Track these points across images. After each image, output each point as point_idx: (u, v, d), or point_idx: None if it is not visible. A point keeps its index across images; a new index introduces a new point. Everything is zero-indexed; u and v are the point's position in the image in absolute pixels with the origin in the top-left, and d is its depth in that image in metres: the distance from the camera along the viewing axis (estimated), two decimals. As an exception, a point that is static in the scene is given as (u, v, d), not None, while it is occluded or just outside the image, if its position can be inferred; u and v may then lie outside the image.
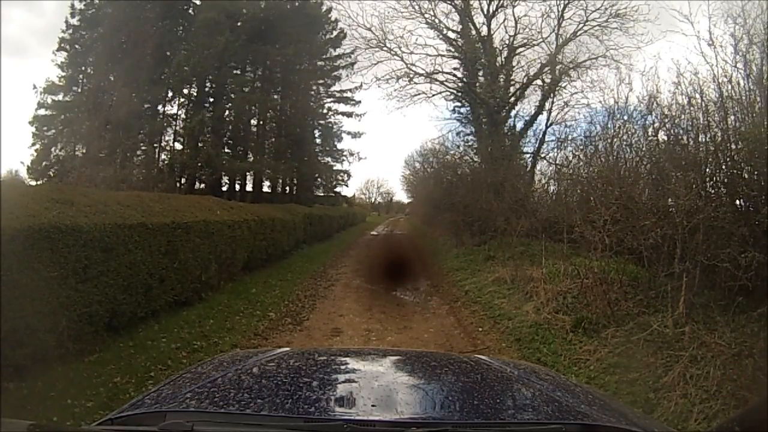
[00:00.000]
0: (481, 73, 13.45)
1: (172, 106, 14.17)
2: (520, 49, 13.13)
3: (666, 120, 5.18)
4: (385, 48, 13.27)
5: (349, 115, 17.23)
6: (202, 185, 13.58)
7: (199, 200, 7.28)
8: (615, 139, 6.16)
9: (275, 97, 15.11)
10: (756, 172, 3.84)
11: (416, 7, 12.97)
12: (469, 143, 14.35)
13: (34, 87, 13.35)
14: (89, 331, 3.75)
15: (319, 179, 17.40)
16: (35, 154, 13.36)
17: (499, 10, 13.04)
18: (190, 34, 13.53)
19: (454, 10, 13.15)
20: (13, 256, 2.98)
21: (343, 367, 1.53)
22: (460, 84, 13.53)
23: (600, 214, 4.85)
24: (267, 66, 14.73)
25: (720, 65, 4.60)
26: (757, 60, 4.58)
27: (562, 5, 12.42)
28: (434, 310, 6.41)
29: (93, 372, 3.48)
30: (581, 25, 12.25)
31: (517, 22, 12.88)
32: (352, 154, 17.74)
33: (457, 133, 14.86)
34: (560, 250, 6.40)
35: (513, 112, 13.46)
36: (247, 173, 14.67)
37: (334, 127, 17.38)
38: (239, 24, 13.48)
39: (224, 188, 14.00)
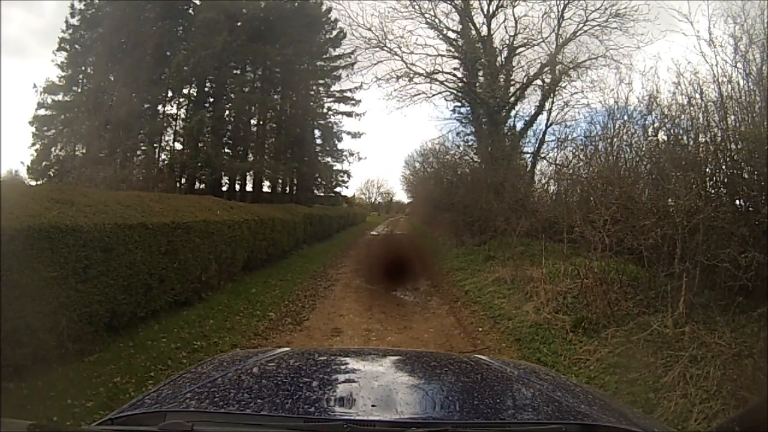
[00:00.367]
0: (481, 73, 13.44)
1: (171, 106, 14.20)
2: (520, 49, 13.15)
3: (666, 120, 5.19)
4: (385, 48, 13.28)
5: (349, 114, 17.25)
6: (202, 185, 13.58)
7: (199, 200, 7.28)
8: (615, 139, 6.17)
9: (275, 97, 15.12)
10: (756, 172, 3.84)
11: (416, 7, 12.99)
12: (469, 143, 14.37)
13: (34, 87, 13.38)
14: (89, 331, 3.75)
15: (319, 179, 17.39)
16: (35, 154, 13.38)
17: (499, 10, 13.05)
18: (189, 34, 13.53)
19: (454, 10, 13.17)
20: (13, 256, 2.97)
21: (343, 367, 1.53)
22: (460, 84, 13.53)
23: (600, 214, 4.85)
24: (267, 66, 14.73)
25: (720, 65, 4.61)
26: (757, 60, 4.58)
27: (562, 5, 12.43)
28: (434, 310, 6.41)
29: (93, 372, 3.48)
30: (581, 25, 12.27)
31: (517, 22, 12.90)
32: (352, 154, 17.76)
33: (457, 133, 14.88)
34: (560, 250, 6.40)
35: (513, 112, 13.47)
36: (247, 173, 14.67)
37: (334, 127, 17.39)
38: (239, 24, 13.48)
39: (224, 188, 14.00)
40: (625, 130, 6.16)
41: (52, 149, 13.52)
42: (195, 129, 12.93)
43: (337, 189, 18.58)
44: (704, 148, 4.31)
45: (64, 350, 3.43)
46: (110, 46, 12.78)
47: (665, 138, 5.14)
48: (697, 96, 4.59)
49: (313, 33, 14.95)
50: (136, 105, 12.92)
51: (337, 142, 17.65)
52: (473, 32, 13.26)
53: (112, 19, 12.97)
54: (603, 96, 13.42)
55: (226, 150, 14.14)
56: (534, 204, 8.95)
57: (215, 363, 1.49)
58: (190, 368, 1.49)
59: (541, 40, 12.76)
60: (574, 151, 8.09)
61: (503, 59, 13.28)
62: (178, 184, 13.08)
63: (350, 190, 29.14)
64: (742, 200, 4.00)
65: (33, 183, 12.18)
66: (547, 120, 12.91)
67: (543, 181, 11.15)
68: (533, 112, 13.19)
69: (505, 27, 13.06)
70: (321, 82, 16.55)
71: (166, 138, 14.11)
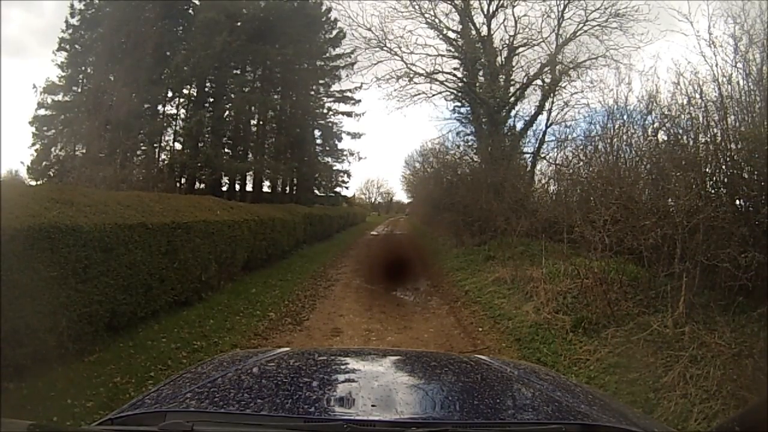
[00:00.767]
0: (481, 73, 13.45)
1: (171, 106, 14.22)
2: (520, 49, 13.14)
3: (666, 120, 5.19)
4: (385, 48, 13.27)
5: (349, 114, 17.26)
6: (202, 185, 13.59)
7: (199, 200, 7.27)
8: (615, 139, 6.16)
9: (275, 97, 15.12)
10: (756, 172, 3.84)
11: (416, 7, 12.98)
12: (469, 143, 14.37)
13: (34, 87, 13.40)
14: (89, 331, 3.75)
15: (319, 179, 17.41)
16: (35, 154, 13.39)
17: (499, 10, 13.04)
18: (189, 34, 13.54)
19: (454, 10, 13.16)
20: (13, 256, 2.97)
21: (343, 367, 1.53)
22: (460, 84, 13.52)
23: (600, 214, 4.85)
24: (267, 66, 14.74)
25: (720, 65, 4.61)
26: (757, 60, 4.58)
27: (562, 5, 12.43)
28: (434, 310, 6.41)
29: (93, 372, 3.48)
30: (581, 25, 12.26)
31: (517, 22, 12.89)
32: (352, 154, 17.78)
33: (457, 133, 14.88)
34: (560, 250, 6.40)
35: (513, 112, 13.47)
36: (247, 173, 14.68)
37: (334, 127, 17.40)
38: (239, 24, 13.49)
39: (224, 188, 14.01)
40: (624, 130, 6.16)
41: (52, 149, 13.53)
42: (195, 129, 12.94)
43: (337, 189, 18.62)
44: (704, 148, 4.31)
45: (64, 350, 3.43)
46: (110, 46, 12.78)
47: (665, 138, 5.14)
48: (697, 96, 4.60)
49: (313, 33, 14.96)
50: (136, 105, 12.93)
51: (337, 142, 17.69)
52: (473, 32, 13.26)
53: (112, 19, 12.98)
54: (603, 96, 13.40)
55: (226, 150, 14.15)
56: (534, 204, 8.95)
57: (215, 363, 1.49)
58: (190, 368, 1.49)
59: (541, 40, 12.77)
60: (574, 151, 8.10)
61: (503, 59, 13.28)
62: (178, 184, 13.09)
63: (350, 190, 29.12)
64: (742, 200, 4.00)
65: (33, 183, 12.19)
66: (547, 120, 12.92)
67: (543, 181, 11.15)
68: (533, 112, 13.21)
69: (505, 27, 13.07)
70: (321, 82, 16.55)
71: (166, 138, 14.15)
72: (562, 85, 12.76)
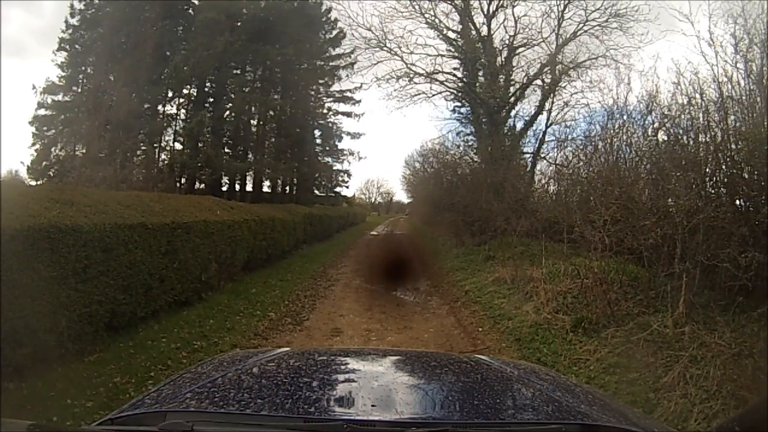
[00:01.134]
0: (481, 73, 13.45)
1: (171, 106, 14.23)
2: (520, 49, 13.14)
3: (666, 120, 5.19)
4: (385, 48, 13.28)
5: (349, 115, 17.26)
6: (202, 185, 13.60)
7: (199, 200, 7.28)
8: (615, 139, 6.16)
9: (275, 97, 15.12)
10: (756, 172, 3.84)
11: (416, 7, 12.98)
12: (469, 143, 14.37)
13: (34, 87, 13.40)
14: (89, 331, 3.75)
15: (319, 179, 17.41)
16: (35, 154, 13.39)
17: (499, 10, 13.05)
18: (189, 34, 13.54)
19: (454, 10, 13.16)
20: (13, 256, 2.97)
21: (343, 367, 1.53)
22: (460, 84, 13.53)
23: (600, 214, 4.85)
24: (267, 66, 14.74)
25: (720, 65, 4.62)
26: (758, 60, 4.58)
27: (562, 5, 12.43)
28: (434, 310, 6.41)
29: (93, 372, 3.48)
30: (581, 25, 12.27)
31: (517, 22, 12.90)
32: (352, 154, 17.78)
33: (457, 133, 14.89)
34: (560, 250, 6.40)
35: (513, 112, 13.48)
36: (247, 173, 14.68)
37: (334, 127, 17.41)
38: (239, 24, 13.50)
39: (224, 188, 14.01)
40: (624, 130, 6.16)
41: (52, 149, 13.53)
42: (195, 129, 12.94)
43: (337, 189, 18.63)
44: (704, 148, 4.31)
45: (64, 350, 3.43)
46: (110, 46, 12.79)
47: (665, 138, 5.14)
48: (697, 96, 4.60)
49: (313, 33, 14.97)
50: (136, 105, 12.93)
51: (337, 142, 17.70)
52: (473, 32, 13.26)
53: (112, 19, 12.98)
54: (603, 96, 13.45)
55: (226, 150, 14.16)
56: (534, 204, 8.95)
57: (215, 363, 1.49)
58: (190, 368, 1.49)
59: (541, 40, 12.77)
60: (574, 151, 8.11)
61: (503, 59, 13.28)
62: (178, 184, 13.09)
63: (350, 190, 29.13)
64: (742, 200, 4.00)
65: (33, 183, 12.19)
66: (547, 120, 12.93)
67: (543, 181, 11.15)
68: (533, 112, 13.21)
69: (505, 27, 13.08)
70: (321, 82, 16.55)
71: (166, 138, 14.16)
72: (562, 85, 12.78)
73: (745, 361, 2.95)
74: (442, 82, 13.55)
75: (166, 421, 0.95)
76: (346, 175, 18.19)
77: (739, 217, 3.87)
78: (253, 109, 14.58)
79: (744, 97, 4.42)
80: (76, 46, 13.60)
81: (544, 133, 12.82)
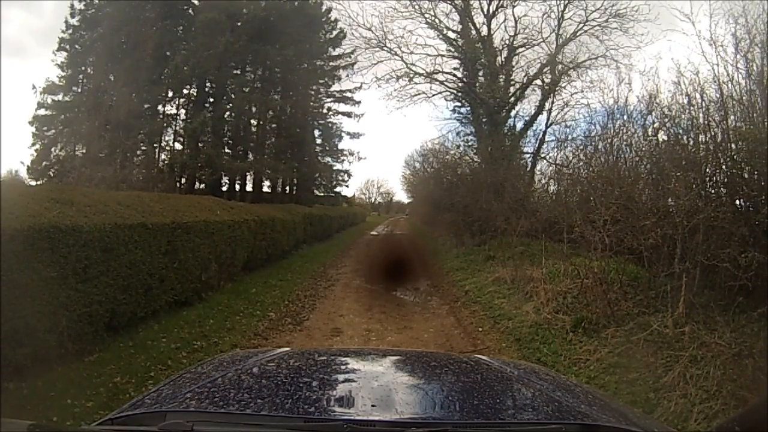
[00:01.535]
0: (481, 73, 13.45)
1: (172, 106, 14.22)
2: (520, 49, 13.15)
3: (666, 120, 5.19)
4: (385, 48, 13.28)
5: (349, 115, 17.26)
6: (202, 185, 13.59)
7: (199, 200, 7.27)
8: (615, 139, 6.16)
9: (275, 97, 15.12)
10: (756, 172, 3.84)
11: (416, 7, 12.99)
12: (469, 143, 14.37)
13: (34, 87, 13.39)
14: (89, 331, 3.75)
15: (319, 179, 17.41)
16: (35, 154, 13.39)
17: (499, 10, 13.06)
18: (190, 34, 13.54)
19: (454, 10, 13.17)
20: (13, 256, 2.97)
21: (343, 367, 1.53)
22: (460, 84, 13.53)
23: (600, 214, 4.85)
24: (267, 66, 14.74)
25: (721, 65, 4.61)
26: (758, 60, 4.58)
27: (562, 5, 12.44)
28: (434, 310, 6.41)
29: (93, 372, 3.48)
30: (581, 25, 12.27)
31: (517, 22, 12.91)
32: (351, 154, 17.79)
33: (457, 133, 14.88)
34: (560, 250, 6.40)
35: (513, 112, 13.48)
36: (247, 173, 14.68)
37: (334, 127, 17.42)
38: (239, 24, 13.48)
39: (224, 188, 14.01)
40: (625, 130, 6.16)
41: (52, 149, 13.53)
42: (195, 129, 12.95)
43: (337, 189, 18.62)
44: (704, 148, 4.31)
45: (64, 350, 3.43)
46: (110, 46, 12.78)
47: (665, 138, 5.14)
48: (698, 96, 4.60)
49: (313, 33, 14.96)
50: (136, 105, 12.93)
51: (337, 142, 17.70)
52: (473, 32, 13.27)
53: (112, 19, 12.98)
54: (603, 96, 13.43)
55: (226, 150, 14.15)
56: (534, 204, 8.95)
57: (215, 363, 1.49)
58: (190, 368, 1.49)
59: (541, 40, 12.78)
60: (574, 151, 8.10)
61: (503, 59, 13.28)
62: (178, 184, 13.09)
63: (350, 190, 29.17)
64: (742, 200, 4.00)
65: (33, 183, 12.19)
66: (547, 120, 12.94)
67: (543, 181, 11.15)
68: (533, 112, 13.22)
69: (505, 27, 13.09)
70: (321, 82, 16.55)
71: (166, 138, 14.15)
72: (562, 85, 12.79)
73: (745, 361, 2.95)
74: (442, 82, 13.57)
75: (166, 421, 0.95)
76: (346, 175, 18.21)
77: (739, 217, 3.87)
78: (253, 109, 14.58)
79: (744, 97, 4.42)
80: (76, 46, 13.59)
81: (544, 133, 12.85)
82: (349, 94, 16.86)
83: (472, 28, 13.25)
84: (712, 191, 4.20)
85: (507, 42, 13.15)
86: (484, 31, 13.26)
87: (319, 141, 17.38)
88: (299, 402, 1.12)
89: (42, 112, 13.52)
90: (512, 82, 13.34)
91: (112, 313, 4.06)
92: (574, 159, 7.70)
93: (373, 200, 54.45)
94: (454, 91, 13.72)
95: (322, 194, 17.88)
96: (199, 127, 12.96)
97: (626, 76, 16.05)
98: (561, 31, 12.63)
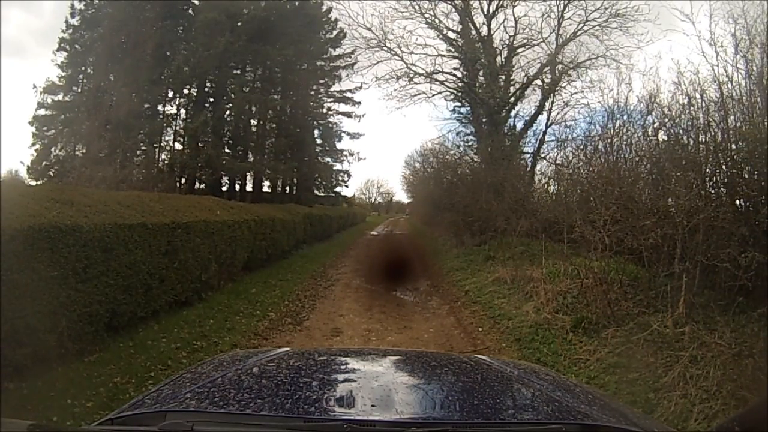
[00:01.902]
0: (481, 73, 13.44)
1: (172, 106, 14.22)
2: (520, 49, 13.15)
3: (666, 120, 5.18)
4: (385, 48, 13.27)
5: (349, 115, 17.26)
6: (202, 185, 13.59)
7: (199, 200, 7.28)
8: (615, 139, 6.16)
9: (275, 97, 15.12)
10: (756, 172, 3.84)
11: (416, 7, 12.97)
12: (469, 143, 14.39)
13: (34, 87, 13.40)
14: (89, 331, 3.75)
15: (319, 179, 17.41)
16: (35, 154, 13.39)
17: (499, 10, 13.05)
18: (190, 34, 13.54)
19: (454, 10, 13.16)
20: (13, 256, 2.97)
21: (343, 367, 1.53)
22: (460, 84, 13.52)
23: (600, 214, 4.85)
24: (267, 66, 14.74)
25: (721, 65, 4.61)
26: (758, 60, 4.58)
27: (562, 5, 12.43)
28: (434, 310, 6.41)
29: (93, 372, 3.48)
30: (581, 25, 12.26)
31: (517, 22, 12.90)
32: (351, 154, 17.79)
33: (457, 133, 14.89)
34: (560, 250, 6.40)
35: (513, 112, 13.48)
36: (247, 173, 14.68)
37: (334, 127, 17.41)
38: (239, 24, 13.48)
39: (224, 188, 14.01)
40: (625, 130, 6.16)
41: (52, 149, 13.53)
42: (195, 129, 12.95)
43: (337, 189, 18.62)
44: (704, 148, 4.31)
45: (64, 350, 3.43)
46: (110, 46, 12.78)
47: (665, 138, 5.14)
48: (698, 96, 4.59)
49: (313, 33, 14.96)
50: (136, 105, 12.93)
51: (336, 142, 17.71)
52: (473, 32, 13.26)
53: (112, 19, 12.98)
54: (603, 96, 13.41)
55: (226, 150, 14.16)
56: (534, 204, 8.95)
57: (215, 363, 1.49)
58: (190, 368, 1.49)
59: (541, 40, 12.77)
60: (574, 151, 8.11)
61: (503, 59, 13.28)
62: (178, 184, 13.09)
63: (350, 190, 29.20)
64: (742, 200, 4.00)
65: (33, 183, 12.18)
66: (547, 120, 12.94)
67: (543, 181, 11.16)
68: (533, 112, 13.22)
69: (505, 27, 13.08)
70: (321, 82, 16.56)
71: (166, 138, 14.15)
72: (562, 85, 12.79)
73: (745, 361, 2.95)
74: (442, 82, 13.56)
75: (166, 421, 0.95)
76: (345, 175, 18.22)
77: (739, 217, 3.87)
78: (253, 109, 14.59)
79: (744, 97, 4.42)
80: (76, 46, 13.60)
81: (544, 133, 12.85)
82: (349, 94, 16.89)
83: (472, 28, 13.26)
84: (712, 191, 4.20)
85: (507, 42, 13.16)
86: (484, 31, 13.27)
87: (319, 141, 17.39)
88: (299, 402, 1.12)
89: (42, 112, 13.54)
90: (512, 82, 13.35)
91: (112, 313, 4.06)
92: (574, 159, 7.71)
93: (373, 200, 54.52)
94: (454, 91, 13.72)
95: (322, 194, 17.88)
96: (199, 127, 12.96)
97: (626, 76, 16.02)
98: (561, 31, 12.64)
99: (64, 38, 13.54)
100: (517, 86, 13.24)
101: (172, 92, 13.99)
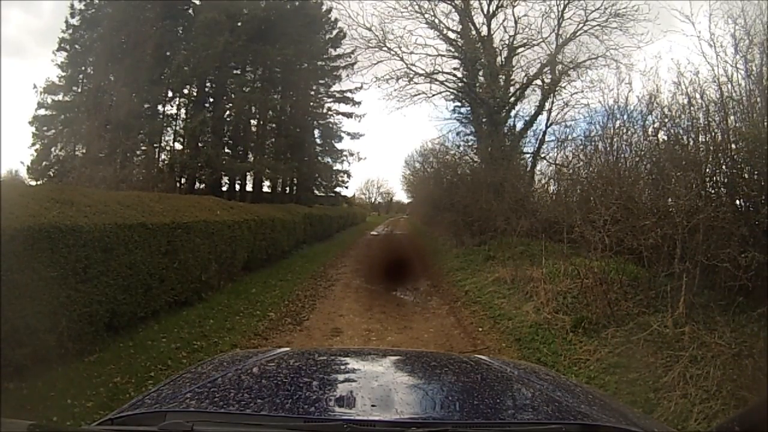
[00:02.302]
0: (481, 73, 13.43)
1: (172, 106, 14.19)
2: (520, 49, 13.14)
3: (666, 120, 5.19)
4: (385, 48, 13.27)
5: (349, 115, 17.24)
6: (202, 185, 13.57)
7: (199, 200, 7.28)
8: (615, 139, 6.16)
9: (275, 97, 15.10)
10: (756, 172, 3.84)
11: (416, 7, 12.97)
12: (469, 143, 14.37)
13: (34, 87, 13.37)
14: (89, 331, 3.75)
15: (319, 179, 17.40)
16: (35, 154, 13.36)
17: (499, 10, 13.05)
18: (190, 34, 13.52)
19: (454, 10, 13.16)
20: (13, 256, 2.97)
21: (343, 367, 1.53)
22: (460, 84, 13.52)
23: (600, 214, 4.85)
24: (267, 66, 14.72)
25: (720, 65, 4.61)
26: (757, 60, 4.58)
27: (562, 5, 12.42)
28: (434, 310, 6.41)
29: (93, 372, 3.48)
30: (581, 25, 12.26)
31: (517, 22, 12.90)
32: (351, 155, 17.78)
33: (457, 133, 14.88)
34: (560, 250, 6.40)
35: (513, 112, 13.47)
36: (247, 173, 14.67)
37: (334, 127, 17.40)
38: (239, 24, 13.47)
39: (224, 188, 13.99)
40: (625, 130, 6.16)
41: (52, 149, 13.51)
42: (195, 129, 12.93)
43: (337, 189, 18.60)
44: (704, 148, 4.31)
45: (64, 350, 3.43)
46: (110, 46, 12.77)
47: (665, 138, 5.14)
48: (698, 96, 4.60)
49: (313, 33, 14.95)
50: (136, 105, 12.92)
51: (337, 142, 17.70)
52: (473, 32, 13.26)
53: (112, 19, 12.97)
54: (603, 96, 13.40)
55: (226, 150, 14.14)
56: (534, 204, 8.95)
57: (215, 363, 1.49)
58: (190, 368, 1.49)
59: (541, 40, 12.77)
60: (574, 151, 8.12)
61: (503, 59, 13.27)
62: (178, 184, 13.07)
63: (350, 190, 29.21)
64: (742, 200, 4.00)
65: (33, 183, 12.18)
66: (547, 120, 12.93)
67: (543, 181, 11.17)
68: (533, 112, 13.21)
69: (505, 27, 13.08)
70: (321, 82, 16.55)
71: (166, 138, 14.12)
72: (562, 85, 12.78)
73: (745, 361, 2.95)
74: (442, 82, 13.56)
75: (166, 421, 0.95)
76: (346, 175, 18.20)
77: (739, 217, 3.87)
78: (253, 109, 14.57)
79: (744, 98, 4.42)
80: (76, 46, 13.58)
81: (544, 133, 12.84)
82: (349, 95, 16.87)
83: (472, 28, 13.25)
84: (712, 191, 4.21)
85: (507, 42, 13.16)
86: (484, 31, 13.26)
87: (319, 141, 17.39)
88: (299, 402, 1.12)
89: (42, 112, 13.51)
90: (512, 82, 13.34)
91: (112, 313, 4.06)
92: (574, 159, 7.72)
93: (373, 200, 54.50)
94: (454, 91, 13.72)
95: (322, 194, 17.87)
96: (199, 127, 12.95)
97: (626, 76, 16.02)
98: (561, 31, 12.63)
99: (64, 38, 13.52)
100: (517, 86, 13.25)
101: (172, 92, 13.98)
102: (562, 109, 12.75)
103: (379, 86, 14.77)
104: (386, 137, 72.91)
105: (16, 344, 2.99)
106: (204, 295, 5.98)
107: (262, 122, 15.16)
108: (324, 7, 15.47)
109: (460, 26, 13.33)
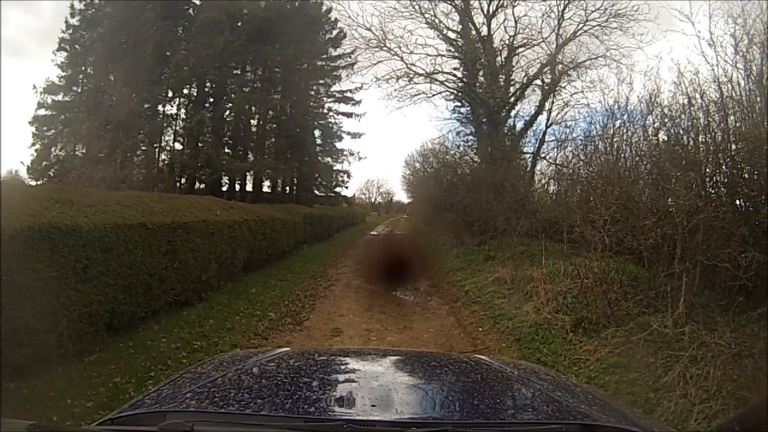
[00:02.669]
0: (481, 73, 13.44)
1: (172, 106, 14.19)
2: (520, 49, 13.15)
3: (666, 120, 5.19)
4: (385, 48, 13.28)
5: (349, 115, 17.26)
6: (202, 185, 13.57)
7: (199, 200, 7.28)
8: (615, 139, 6.17)
9: (275, 97, 15.10)
10: (756, 172, 3.84)
11: (416, 7, 12.98)
12: (469, 143, 14.38)
13: (34, 87, 13.38)
14: (89, 331, 3.75)
15: (319, 179, 17.41)
16: (35, 154, 13.37)
17: (499, 10, 13.05)
18: (190, 34, 13.52)
19: (454, 10, 13.16)
20: (13, 256, 2.97)
21: (343, 367, 1.53)
22: (460, 84, 13.53)
23: (600, 214, 4.85)
24: (267, 66, 14.72)
25: (720, 65, 4.62)
26: (757, 60, 4.58)
27: (562, 5, 12.43)
28: (434, 310, 6.41)
29: (93, 372, 3.48)
30: (581, 25, 12.26)
31: (517, 22, 12.90)
32: (352, 154, 17.79)
33: (457, 133, 14.89)
34: (560, 250, 6.40)
35: (513, 112, 13.48)
36: (247, 173, 14.67)
37: (334, 127, 17.42)
38: (239, 24, 13.47)
39: (224, 188, 13.99)
40: (625, 130, 6.17)
41: (52, 149, 13.51)
42: (195, 129, 12.92)
43: (337, 189, 18.62)
44: (704, 148, 4.31)
45: (64, 350, 3.43)
46: (110, 46, 12.77)
47: (665, 138, 5.14)
48: (698, 96, 4.60)
49: (313, 33, 14.95)
50: (136, 105, 12.92)
51: (337, 142, 17.72)
52: (473, 32, 13.26)
53: (112, 19, 12.97)
54: (603, 96, 13.42)
55: (226, 150, 14.13)
56: (534, 204, 8.95)
57: (215, 363, 1.49)
58: (190, 368, 1.49)
59: (541, 40, 12.77)
60: (574, 151, 8.12)
61: (503, 59, 13.28)
62: (178, 184, 13.07)
63: (350, 190, 29.18)
64: (742, 200, 4.00)
65: (33, 183, 12.18)
66: (547, 120, 12.93)
67: (543, 181, 11.17)
68: (533, 112, 13.22)
69: (505, 27, 13.08)
70: (321, 82, 16.55)
71: (166, 138, 14.13)
72: (562, 85, 12.78)
73: (745, 361, 2.95)
74: (442, 82, 13.57)
75: (166, 421, 0.95)
76: (346, 175, 18.22)
77: (739, 217, 3.87)
78: (253, 109, 14.57)
79: (744, 98, 4.42)
80: (76, 46, 13.58)
81: (544, 133, 12.85)
82: (349, 94, 16.88)
83: (472, 28, 13.26)
84: (712, 191, 4.21)
85: (507, 42, 13.16)
86: (484, 31, 13.27)
87: (319, 141, 17.38)
88: (299, 402, 1.12)
89: (42, 112, 13.52)
90: (512, 82, 13.34)
91: (112, 313, 4.06)
92: (574, 159, 7.73)
93: (373, 200, 54.50)
94: (454, 91, 13.72)
95: (322, 194, 17.88)
96: (198, 127, 12.95)
97: (626, 76, 16.08)
98: (561, 31, 12.64)
99: (64, 38, 13.53)
100: (517, 86, 13.25)
101: (172, 92, 13.98)
102: (562, 109, 12.77)
103: (379, 86, 14.80)
104: (386, 137, 72.98)
105: (16, 344, 2.99)
106: (204, 295, 5.98)
107: (262, 122, 15.16)
108: (324, 7, 15.50)
109: (460, 26, 13.34)
